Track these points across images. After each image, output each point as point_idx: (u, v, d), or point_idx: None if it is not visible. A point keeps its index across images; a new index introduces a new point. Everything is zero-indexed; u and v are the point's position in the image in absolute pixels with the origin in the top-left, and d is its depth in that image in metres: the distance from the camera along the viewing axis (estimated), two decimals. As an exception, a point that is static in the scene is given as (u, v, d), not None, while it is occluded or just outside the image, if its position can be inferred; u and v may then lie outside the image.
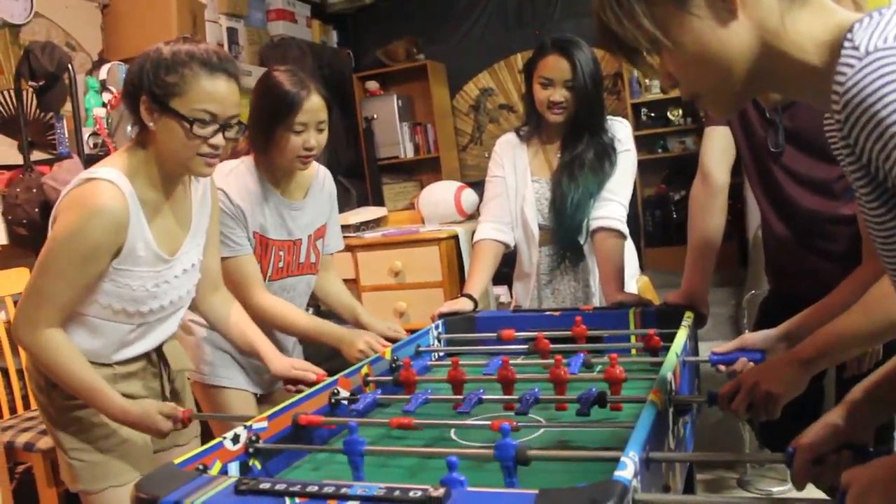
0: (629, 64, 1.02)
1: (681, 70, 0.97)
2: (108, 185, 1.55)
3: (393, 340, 2.07)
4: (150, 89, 1.57)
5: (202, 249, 1.81)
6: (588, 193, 2.29)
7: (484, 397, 1.49)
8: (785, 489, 2.88)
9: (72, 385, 1.61)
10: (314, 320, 2.12)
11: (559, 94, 2.25)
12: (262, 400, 2.26)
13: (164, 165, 1.64)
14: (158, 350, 1.80)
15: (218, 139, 1.60)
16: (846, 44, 0.84)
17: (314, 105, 2.01)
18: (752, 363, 1.58)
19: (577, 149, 2.31)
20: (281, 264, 2.16)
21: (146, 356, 1.77)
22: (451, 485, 0.94)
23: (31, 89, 3.31)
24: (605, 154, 2.31)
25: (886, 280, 0.96)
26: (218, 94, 1.58)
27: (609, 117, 2.37)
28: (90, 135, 3.51)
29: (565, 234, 2.34)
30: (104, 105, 3.64)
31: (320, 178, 2.28)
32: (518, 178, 2.40)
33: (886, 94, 0.77)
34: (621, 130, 2.36)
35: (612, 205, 2.30)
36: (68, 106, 3.34)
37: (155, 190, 1.66)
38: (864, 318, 1.27)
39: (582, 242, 2.35)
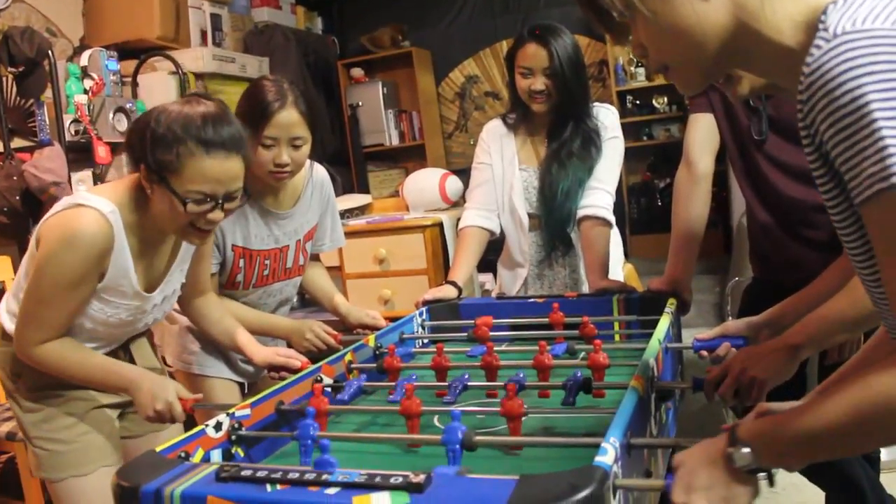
0: (603, 29, 1.01)
1: (653, 40, 0.96)
2: (95, 214, 1.53)
3: (372, 328, 2.07)
4: (148, 161, 1.52)
5: (183, 275, 1.79)
6: (577, 181, 2.30)
7: (469, 384, 1.50)
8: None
9: (85, 377, 1.62)
10: (263, 316, 2.10)
11: (539, 83, 2.25)
12: (251, 389, 2.25)
13: (158, 222, 1.61)
14: (125, 347, 1.80)
15: (215, 214, 1.56)
16: (820, 25, 0.83)
17: (287, 119, 1.90)
18: (734, 349, 1.58)
19: (563, 136, 2.31)
20: (266, 272, 2.12)
21: (113, 354, 1.76)
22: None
23: (10, 76, 3.28)
24: (591, 140, 2.31)
25: None
26: (214, 174, 1.52)
27: (596, 104, 2.37)
28: (71, 122, 3.49)
29: (555, 223, 2.34)
30: (85, 92, 3.61)
31: (315, 181, 2.19)
32: (505, 166, 2.40)
33: (846, 81, 0.76)
34: (608, 117, 2.36)
35: (599, 193, 2.31)
36: (49, 93, 3.31)
37: (147, 233, 1.64)
38: (850, 304, 1.28)
39: (570, 231, 2.36)
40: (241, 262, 2.06)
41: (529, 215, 2.38)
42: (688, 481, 0.94)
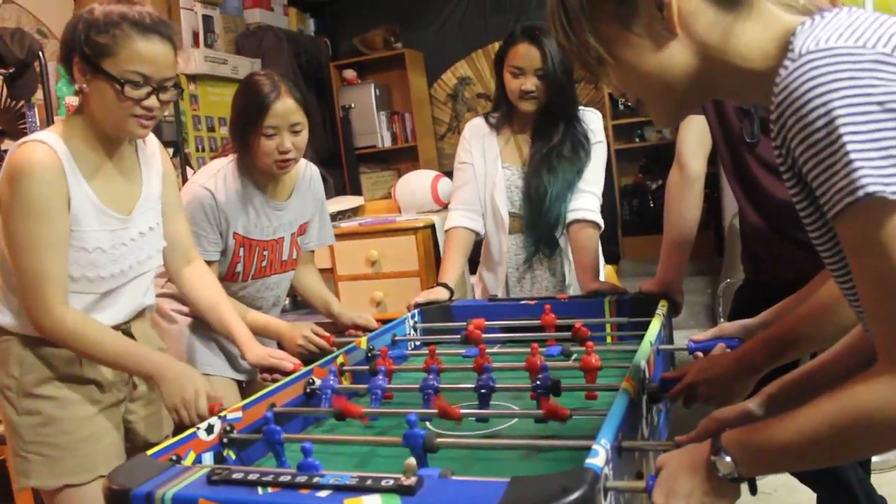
0: (582, 69, 1.05)
1: (624, 83, 1.01)
2: (37, 144, 1.56)
3: (364, 329, 2.08)
4: (82, 50, 1.55)
5: (158, 214, 1.79)
6: (567, 184, 2.30)
7: (465, 386, 1.49)
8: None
9: (109, 354, 1.60)
10: (256, 315, 2.11)
11: (530, 83, 2.25)
12: (248, 387, 2.25)
13: (99, 127, 1.63)
14: (127, 331, 1.76)
15: (151, 101, 1.59)
16: (788, 47, 0.85)
17: (284, 108, 1.99)
18: (729, 350, 1.58)
19: (553, 139, 2.32)
20: (264, 263, 2.16)
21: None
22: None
23: (1, 77, 3.26)
24: (581, 144, 2.32)
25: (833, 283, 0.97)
26: (150, 55, 1.56)
27: (581, 108, 2.37)
28: (62, 123, 3.47)
29: (543, 226, 2.34)
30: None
31: (307, 176, 2.27)
32: (488, 165, 2.40)
33: (812, 99, 0.78)
34: (594, 121, 2.37)
35: (587, 196, 2.32)
36: (40, 94, 3.30)
37: (93, 150, 1.65)
38: (813, 326, 1.28)
39: (558, 235, 2.36)
40: (241, 251, 2.10)
41: (511, 215, 2.38)
42: (669, 485, 0.95)
